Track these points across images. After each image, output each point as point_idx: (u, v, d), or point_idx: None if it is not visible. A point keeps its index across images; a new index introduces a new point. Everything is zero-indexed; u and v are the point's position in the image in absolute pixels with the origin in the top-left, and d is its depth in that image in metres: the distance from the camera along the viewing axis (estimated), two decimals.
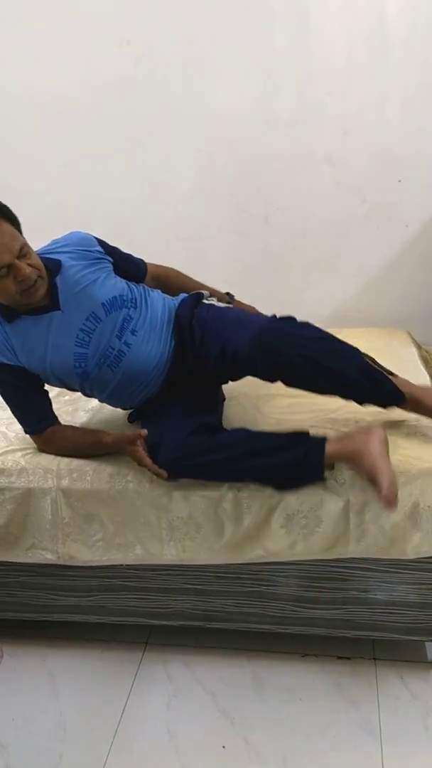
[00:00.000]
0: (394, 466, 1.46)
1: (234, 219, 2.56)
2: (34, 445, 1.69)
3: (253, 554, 1.57)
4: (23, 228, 1.54)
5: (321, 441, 1.50)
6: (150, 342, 1.64)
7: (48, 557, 1.64)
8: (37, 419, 1.65)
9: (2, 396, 1.66)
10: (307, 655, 1.72)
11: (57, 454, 1.65)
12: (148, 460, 1.53)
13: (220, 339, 1.59)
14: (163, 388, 1.68)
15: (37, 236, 2.57)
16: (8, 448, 1.70)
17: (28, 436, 1.68)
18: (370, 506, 1.51)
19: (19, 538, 1.65)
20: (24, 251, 1.48)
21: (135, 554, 1.62)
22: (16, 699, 1.64)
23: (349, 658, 1.70)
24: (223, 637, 1.72)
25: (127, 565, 1.64)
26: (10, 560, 1.67)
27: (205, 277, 2.57)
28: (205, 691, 1.63)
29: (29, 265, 1.49)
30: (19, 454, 1.67)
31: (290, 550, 1.56)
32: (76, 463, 1.63)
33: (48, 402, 1.67)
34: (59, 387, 1.70)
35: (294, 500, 1.53)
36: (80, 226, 2.61)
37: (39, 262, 1.53)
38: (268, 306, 2.61)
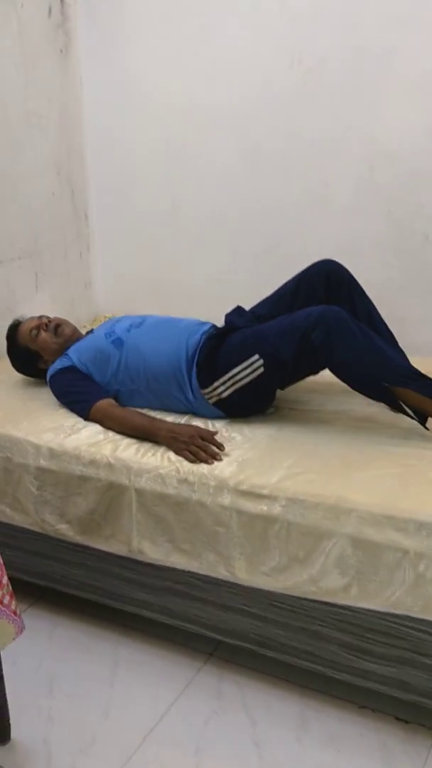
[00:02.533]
0: None
1: (391, 236, 2.43)
2: (126, 440, 1.79)
3: (304, 589, 1.51)
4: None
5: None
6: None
7: (122, 549, 1.73)
8: (84, 399, 1.93)
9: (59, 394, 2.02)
10: (364, 707, 1.61)
11: (109, 428, 1.85)
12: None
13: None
14: None
15: (209, 249, 2.67)
16: (104, 440, 1.81)
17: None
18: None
19: (101, 527, 1.76)
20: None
21: (197, 563, 1.64)
22: (76, 675, 1.74)
23: (407, 722, 1.56)
24: (283, 667, 1.67)
25: (191, 573, 1.67)
26: (92, 545, 1.79)
27: None
28: (247, 716, 1.61)
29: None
30: (110, 448, 1.77)
31: (344, 593, 1.47)
32: (153, 464, 1.69)
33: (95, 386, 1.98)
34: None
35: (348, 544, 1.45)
36: (237, 238, 2.69)
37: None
38: (423, 330, 2.47)
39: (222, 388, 1.83)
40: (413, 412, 1.70)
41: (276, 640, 1.62)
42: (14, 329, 2.22)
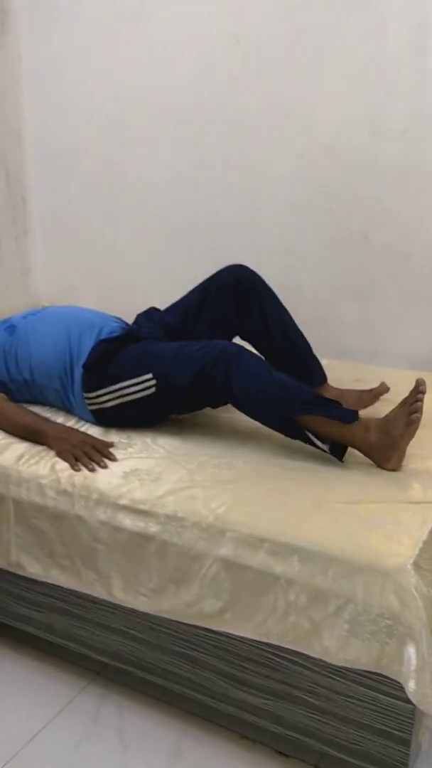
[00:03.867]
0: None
1: (330, 235, 2.32)
2: (8, 445, 1.70)
3: (180, 613, 1.41)
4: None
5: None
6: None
7: (0, 561, 1.63)
8: None
9: None
10: (246, 738, 1.52)
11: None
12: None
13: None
14: None
15: (149, 237, 2.56)
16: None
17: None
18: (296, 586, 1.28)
19: None
20: None
21: (77, 580, 1.54)
22: None
23: (287, 756, 1.47)
24: (167, 692, 1.58)
25: (71, 590, 1.57)
26: None
27: (295, 298, 2.39)
28: (120, 741, 1.52)
29: None
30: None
31: (219, 618, 1.38)
32: (33, 473, 1.58)
33: None
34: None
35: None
36: (184, 233, 2.58)
37: None
38: (359, 334, 2.37)
39: (107, 398, 1.73)
40: (331, 443, 1.57)
41: (156, 664, 1.53)
42: None
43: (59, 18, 2.59)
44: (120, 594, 1.48)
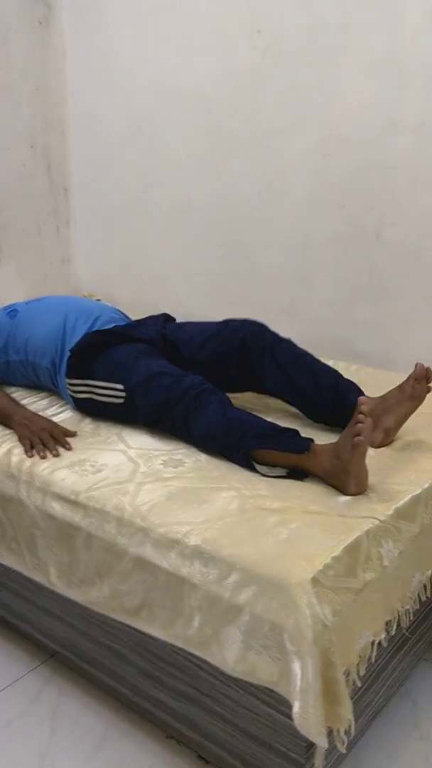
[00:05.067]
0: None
1: (344, 232, 2.23)
2: None
3: (105, 606, 1.42)
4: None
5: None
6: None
7: None
8: None
9: None
10: (172, 738, 1.50)
11: None
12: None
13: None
14: None
15: (177, 229, 2.57)
16: None
17: None
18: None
19: None
20: None
21: (22, 563, 1.58)
22: None
23: (207, 762, 1.44)
24: (103, 683, 1.59)
25: (18, 572, 1.61)
26: None
27: (307, 296, 2.33)
28: (50, 726, 1.54)
29: None
30: None
31: (137, 615, 1.37)
32: None
33: None
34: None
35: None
36: (203, 225, 2.56)
37: None
38: (370, 336, 2.27)
39: (81, 389, 1.77)
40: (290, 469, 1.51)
41: (89, 653, 1.54)
42: None
43: (101, 10, 2.63)
44: (56, 581, 1.51)
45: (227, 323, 1.86)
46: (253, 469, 1.51)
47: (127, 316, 2.05)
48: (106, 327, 1.89)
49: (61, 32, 2.76)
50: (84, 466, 1.55)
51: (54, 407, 1.87)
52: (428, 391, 1.61)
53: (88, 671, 1.58)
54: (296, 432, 1.52)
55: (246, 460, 1.52)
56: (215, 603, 1.23)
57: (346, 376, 1.80)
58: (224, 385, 1.72)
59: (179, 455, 1.59)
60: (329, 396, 1.70)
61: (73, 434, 1.71)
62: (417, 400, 1.59)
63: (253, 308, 2.28)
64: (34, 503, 1.51)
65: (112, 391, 1.73)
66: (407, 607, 1.38)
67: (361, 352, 2.29)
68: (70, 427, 1.73)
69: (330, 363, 1.86)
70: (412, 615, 1.39)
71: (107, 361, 1.77)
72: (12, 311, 2.01)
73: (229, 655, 1.22)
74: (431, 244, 2.07)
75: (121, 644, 1.45)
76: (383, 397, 1.64)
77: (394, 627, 1.34)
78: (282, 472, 1.50)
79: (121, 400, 1.71)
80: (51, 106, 2.81)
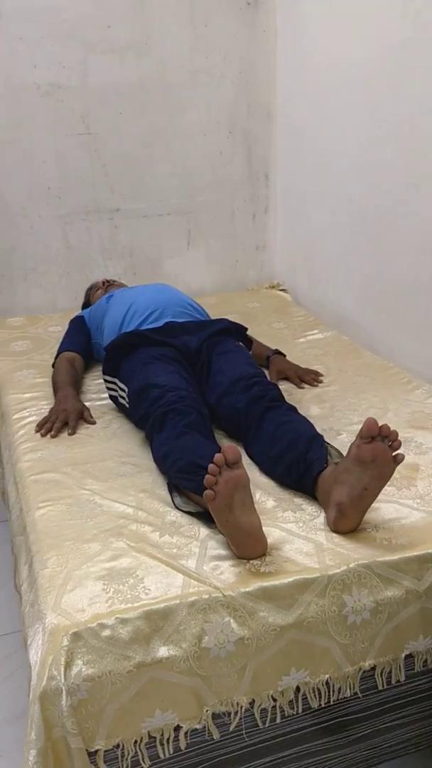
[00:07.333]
0: None
1: None
2: None
3: None
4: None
5: None
6: None
7: None
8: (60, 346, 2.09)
9: None
10: None
11: None
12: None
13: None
14: None
15: (349, 221, 2.40)
16: None
17: None
18: None
19: None
20: None
21: None
22: None
23: None
24: None
25: None
26: None
27: None
28: None
29: None
30: None
31: None
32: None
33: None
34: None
35: None
36: (349, 206, 2.27)
37: None
38: None
39: (110, 386, 1.82)
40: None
41: None
42: (88, 289, 2.46)
43: None
44: None
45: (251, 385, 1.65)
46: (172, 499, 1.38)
47: (200, 312, 1.99)
48: (152, 326, 1.87)
49: (271, 11, 2.67)
50: (47, 453, 1.59)
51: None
52: (392, 457, 1.21)
53: None
54: None
55: (169, 489, 1.40)
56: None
57: None
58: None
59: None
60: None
61: (91, 423, 1.75)
62: (372, 466, 1.21)
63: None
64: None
65: (122, 392, 1.75)
66: (264, 706, 1.14)
67: None
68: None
69: None
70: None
71: (128, 363, 1.78)
72: (110, 297, 2.11)
73: None
74: None
75: None
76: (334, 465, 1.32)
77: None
78: (196, 508, 1.34)
79: (126, 403, 1.73)
80: (255, 90, 2.76)
